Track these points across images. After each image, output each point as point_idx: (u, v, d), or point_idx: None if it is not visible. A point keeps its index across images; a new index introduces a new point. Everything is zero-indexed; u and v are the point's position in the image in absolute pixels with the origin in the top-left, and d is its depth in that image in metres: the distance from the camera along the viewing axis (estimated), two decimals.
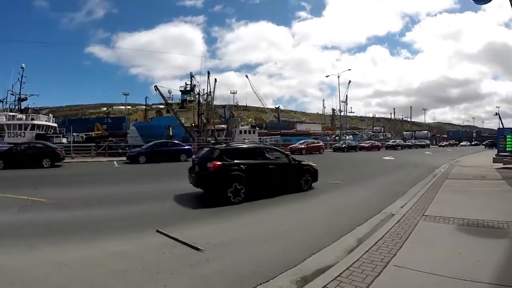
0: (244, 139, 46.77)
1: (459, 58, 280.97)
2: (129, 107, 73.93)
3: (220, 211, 8.15)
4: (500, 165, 18.98)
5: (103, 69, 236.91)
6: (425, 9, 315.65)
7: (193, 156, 15.66)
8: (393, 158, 28.88)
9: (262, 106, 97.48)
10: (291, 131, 74.41)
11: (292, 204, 9.12)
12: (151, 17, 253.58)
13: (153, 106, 73.37)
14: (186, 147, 25.99)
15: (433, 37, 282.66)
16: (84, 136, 44.90)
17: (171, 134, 39.99)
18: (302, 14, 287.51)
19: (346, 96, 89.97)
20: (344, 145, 43.32)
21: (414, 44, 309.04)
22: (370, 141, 57.16)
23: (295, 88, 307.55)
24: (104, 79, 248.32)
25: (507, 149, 23.40)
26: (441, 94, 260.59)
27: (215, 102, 58.89)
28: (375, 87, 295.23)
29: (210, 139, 46.05)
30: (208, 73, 52.67)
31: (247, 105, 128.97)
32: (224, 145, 11.92)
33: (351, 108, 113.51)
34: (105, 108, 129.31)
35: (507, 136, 23.57)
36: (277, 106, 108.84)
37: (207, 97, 52.77)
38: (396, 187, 11.96)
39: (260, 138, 54.55)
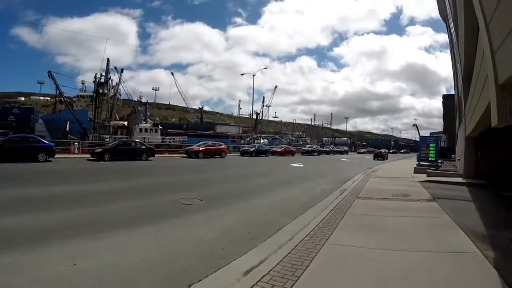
0: (144, 138, 43.46)
1: (382, 74, 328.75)
2: (49, 98, 63.57)
3: None
4: (423, 176, 16.54)
5: (27, 54, 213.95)
6: (354, 28, 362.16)
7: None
8: (302, 165, 26.06)
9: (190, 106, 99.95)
10: (208, 132, 71.20)
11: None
12: (86, 4, 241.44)
13: (74, 99, 68.43)
14: (46, 145, 22.09)
15: (359, 54, 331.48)
16: None
17: (67, 129, 40.05)
18: (238, 20, 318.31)
19: (263, 99, 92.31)
20: (252, 149, 39.98)
21: (341, 59, 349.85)
22: (284, 145, 55.03)
23: (224, 91, 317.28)
24: (27, 65, 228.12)
25: (430, 158, 21.83)
26: (363, 105, 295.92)
27: (135, 99, 59.96)
28: (301, 95, 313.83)
29: (105, 136, 42.99)
30: (108, 60, 49.91)
31: (170, 103, 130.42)
32: None
33: (275, 112, 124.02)
34: (22, 98, 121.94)
35: (430, 145, 22.06)
36: (201, 107, 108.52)
37: (100, 89, 50.13)
38: (276, 215, 7.97)
39: (163, 138, 50.33)
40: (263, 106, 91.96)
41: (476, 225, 6.75)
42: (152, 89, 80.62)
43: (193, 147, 33.79)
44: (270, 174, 17.92)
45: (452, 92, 66.07)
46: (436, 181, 14.85)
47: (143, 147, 27.10)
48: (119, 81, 54.68)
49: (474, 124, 11.48)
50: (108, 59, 49.40)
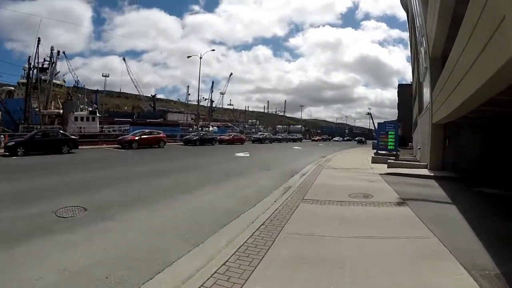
0: (80, 127, 40.15)
1: (336, 65, 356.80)
2: None
3: None
4: (383, 167, 14.63)
5: None
6: (311, 20, 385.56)
7: None
8: (248, 155, 23.59)
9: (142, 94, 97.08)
10: (158, 120, 67.08)
11: None
12: None
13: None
14: None
15: (314, 45, 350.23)
16: None
17: None
18: (195, 7, 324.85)
19: (212, 84, 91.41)
20: (196, 138, 37.12)
21: (296, 49, 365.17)
22: (233, 133, 52.29)
23: (179, 78, 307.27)
24: None
25: (389, 147, 19.96)
26: (317, 95, 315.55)
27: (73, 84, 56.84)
28: (257, 84, 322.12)
29: (37, 126, 37.29)
30: (38, 40, 43.97)
31: (121, 91, 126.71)
32: None
33: (230, 100, 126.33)
34: None
35: (389, 133, 20.16)
36: (153, 94, 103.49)
37: (42, 75, 46.11)
38: (171, 237, 5.34)
39: (102, 127, 45.75)
40: (212, 91, 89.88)
41: (478, 253, 4.39)
42: (102, 76, 76.57)
43: (126, 136, 30.59)
44: (203, 167, 15.00)
45: (404, 82, 67.40)
46: (400, 173, 12.77)
47: (65, 138, 23.74)
48: (54, 64, 50.18)
49: (452, 108, 9.27)
50: (38, 39, 43.77)
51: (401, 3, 39.42)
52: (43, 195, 8.25)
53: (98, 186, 9.63)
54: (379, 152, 20.10)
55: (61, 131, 26.87)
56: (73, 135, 26.78)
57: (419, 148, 20.51)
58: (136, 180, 10.88)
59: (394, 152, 19.54)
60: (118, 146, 28.78)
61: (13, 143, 21.09)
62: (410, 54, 38.11)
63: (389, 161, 15.58)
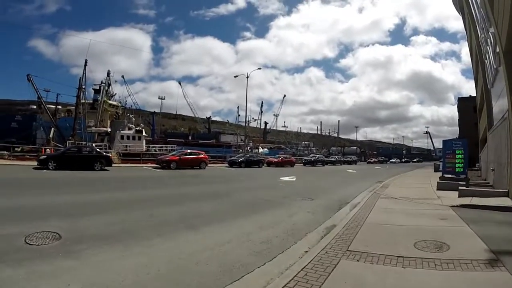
0: (127, 146, 42.13)
1: (389, 84, 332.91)
2: (60, 106, 62.96)
3: None
4: (453, 196, 11.80)
5: (43, 65, 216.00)
6: (359, 39, 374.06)
7: None
8: (293, 179, 21.26)
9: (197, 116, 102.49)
10: (210, 141, 69.07)
11: None
12: (102, 19, 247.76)
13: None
14: None
15: (365, 64, 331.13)
16: None
17: (51, 136, 40.45)
18: (247, 34, 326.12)
19: (261, 104, 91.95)
20: (241, 160, 36.16)
21: (348, 69, 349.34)
22: (282, 155, 50.11)
23: (234, 101, 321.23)
24: (43, 76, 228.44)
25: (457, 169, 16.58)
26: (371, 115, 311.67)
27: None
28: (310, 106, 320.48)
29: (82, 143, 39.26)
30: (86, 62, 45.42)
31: (177, 113, 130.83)
32: None
33: (284, 122, 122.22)
34: (34, 106, 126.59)
35: (457, 152, 16.75)
36: (208, 116, 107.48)
37: (78, 93, 46.72)
38: None
39: (148, 146, 47.50)
40: (261, 112, 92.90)
41: None
42: (159, 98, 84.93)
43: (165, 156, 30.32)
44: (233, 194, 12.65)
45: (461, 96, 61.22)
46: (477, 205, 9.85)
47: (98, 155, 23.73)
48: (106, 86, 52.15)
49: None
50: (85, 61, 45.40)
51: (453, 4, 35.56)
52: (34, 214, 7.47)
53: (97, 210, 8.36)
54: (445, 175, 16.91)
55: (97, 149, 27.13)
56: (108, 153, 27.16)
57: (493, 170, 16.91)
58: (140, 207, 9.16)
59: (464, 176, 16.19)
60: (158, 166, 28.32)
61: (45, 156, 21.54)
62: (464, 67, 33.99)
63: (460, 188, 12.55)
